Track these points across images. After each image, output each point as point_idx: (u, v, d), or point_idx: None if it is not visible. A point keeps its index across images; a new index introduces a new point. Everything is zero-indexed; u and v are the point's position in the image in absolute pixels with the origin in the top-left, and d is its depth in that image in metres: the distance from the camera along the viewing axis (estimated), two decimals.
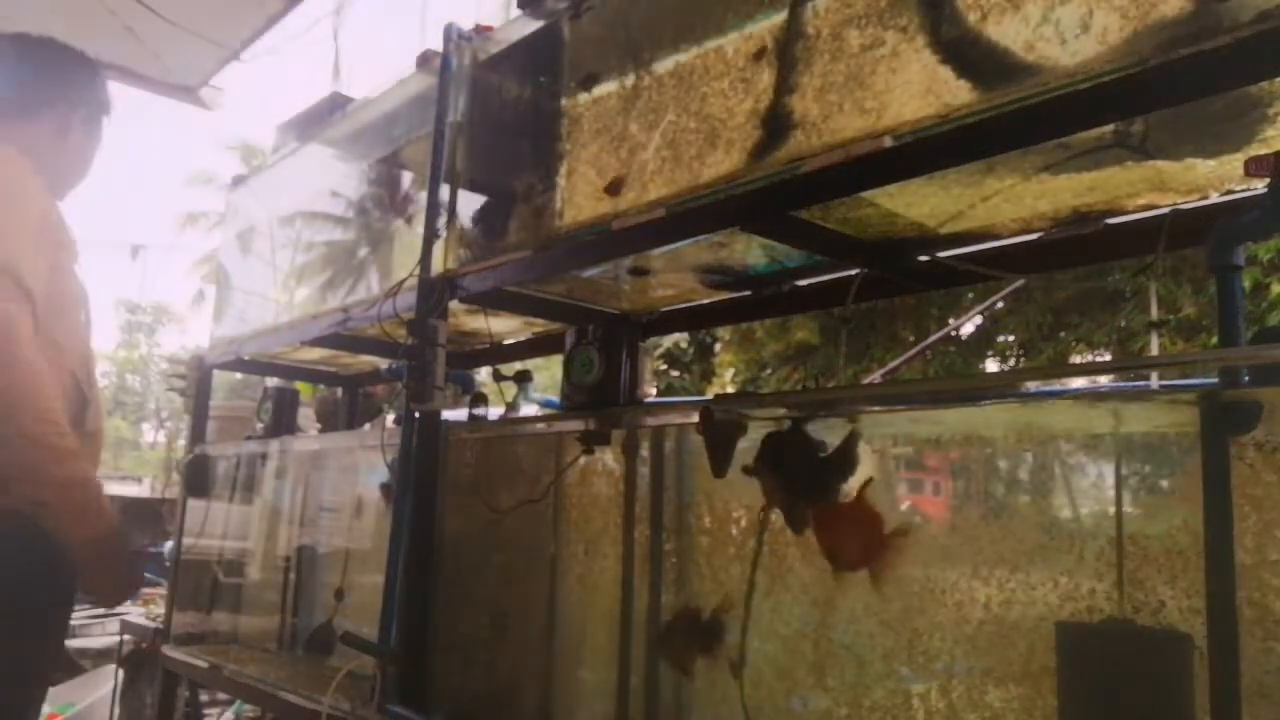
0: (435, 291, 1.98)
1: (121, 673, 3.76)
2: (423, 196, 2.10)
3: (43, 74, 1.79)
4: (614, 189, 1.71)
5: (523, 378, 2.35)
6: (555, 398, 2.25)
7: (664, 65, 1.63)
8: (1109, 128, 1.13)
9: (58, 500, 1.50)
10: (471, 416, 2.21)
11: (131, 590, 1.76)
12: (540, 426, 2.14)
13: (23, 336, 1.43)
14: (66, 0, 2.80)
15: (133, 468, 23.42)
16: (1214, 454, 1.12)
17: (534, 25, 1.95)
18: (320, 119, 2.74)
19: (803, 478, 1.39)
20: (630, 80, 1.69)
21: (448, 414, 2.08)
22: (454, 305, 2.04)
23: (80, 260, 1.73)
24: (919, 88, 1.24)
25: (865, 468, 1.42)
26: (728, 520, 1.65)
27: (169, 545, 3.55)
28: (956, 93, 1.20)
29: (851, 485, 1.37)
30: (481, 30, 2.10)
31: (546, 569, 1.99)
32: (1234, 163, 1.22)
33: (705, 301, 2.08)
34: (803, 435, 1.41)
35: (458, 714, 2.01)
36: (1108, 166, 1.25)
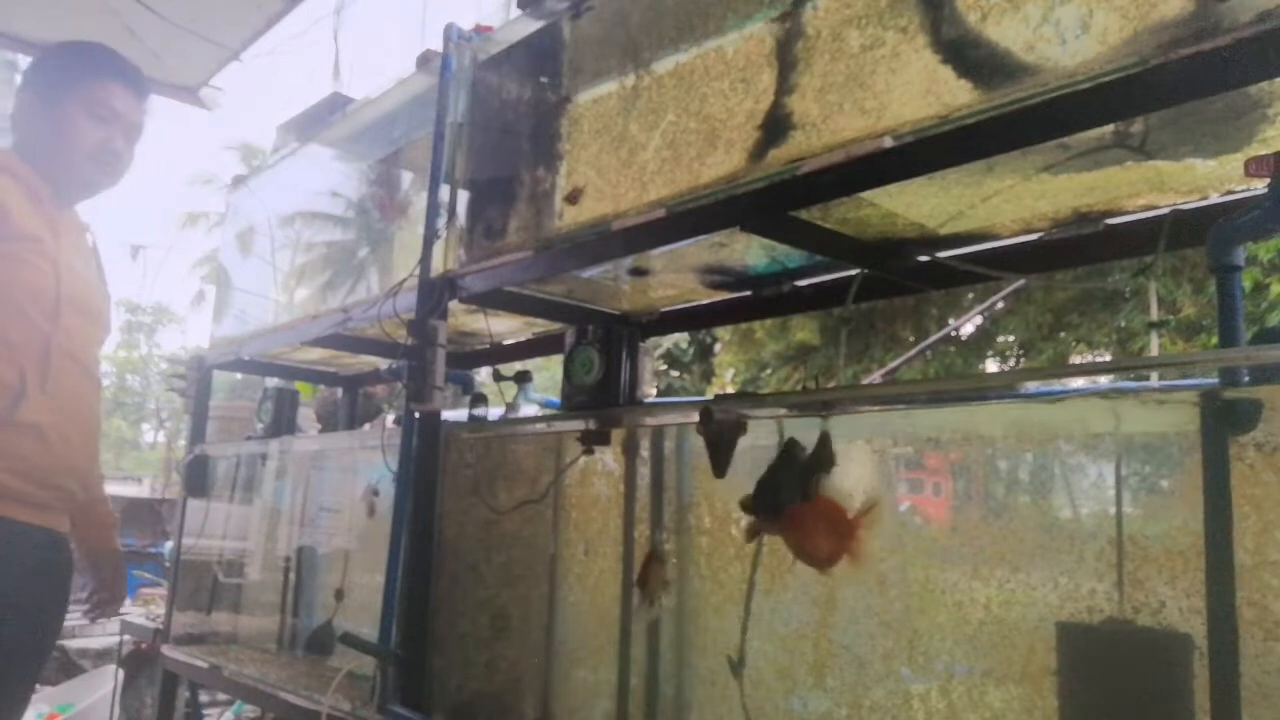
0: (435, 292, 1.98)
1: (121, 673, 3.76)
2: (422, 196, 2.10)
3: (37, 76, 1.78)
4: (573, 199, 1.71)
5: (523, 378, 2.35)
6: (555, 398, 2.25)
7: (664, 65, 1.63)
8: (1109, 128, 1.13)
9: None
10: (471, 416, 2.21)
11: None
12: (540, 426, 2.14)
13: None
14: (67, 0, 2.81)
15: (133, 468, 23.42)
16: (1214, 454, 1.12)
17: (534, 25, 1.95)
18: (320, 119, 2.75)
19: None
20: (630, 80, 1.69)
21: (448, 414, 2.08)
22: (454, 305, 2.03)
23: (49, 256, 1.65)
24: (919, 88, 1.24)
25: (864, 470, 1.41)
26: (728, 520, 1.65)
27: (169, 545, 3.55)
28: (956, 93, 1.20)
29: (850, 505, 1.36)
30: (481, 30, 2.10)
31: (546, 569, 1.99)
32: (1234, 163, 1.22)
33: (705, 301, 2.08)
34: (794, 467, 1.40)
35: (458, 714, 2.01)
36: (1108, 166, 1.25)
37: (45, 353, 1.61)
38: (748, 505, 1.40)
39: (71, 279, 1.71)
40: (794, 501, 1.35)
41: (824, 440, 1.37)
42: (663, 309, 2.17)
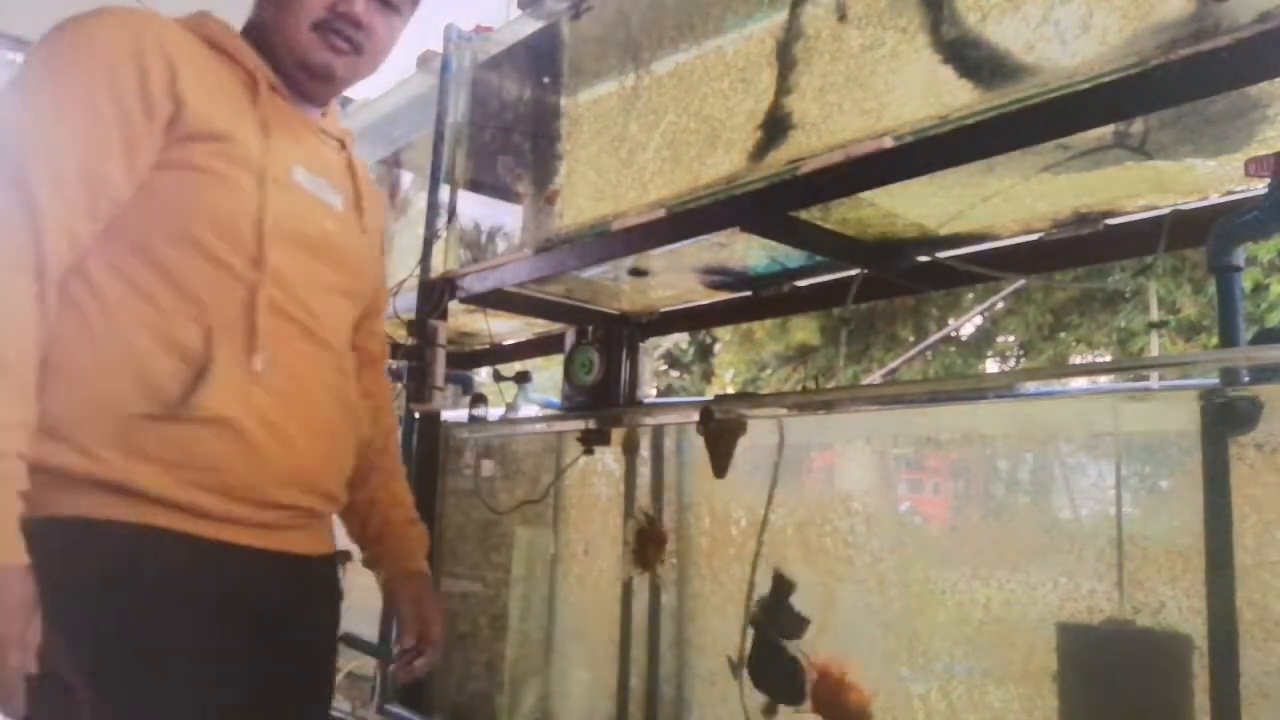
0: (435, 292, 1.98)
1: None
2: (422, 196, 2.10)
3: None
4: (550, 199, 1.71)
5: (523, 378, 2.35)
6: (555, 398, 2.25)
7: (664, 66, 1.63)
8: (1109, 128, 1.13)
9: None
10: (471, 416, 2.21)
11: None
12: (540, 426, 2.14)
13: None
14: (67, 1, 2.81)
15: None
16: (1214, 454, 1.12)
17: (534, 25, 1.95)
18: None
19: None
20: (630, 81, 1.69)
21: (448, 414, 2.08)
22: (454, 305, 2.04)
23: (251, 165, 1.04)
24: (919, 88, 1.24)
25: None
26: (728, 520, 1.65)
27: None
28: (956, 93, 1.20)
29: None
30: (481, 31, 2.10)
31: (546, 569, 1.99)
32: (1234, 163, 1.22)
33: (705, 302, 2.08)
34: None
35: (458, 714, 2.01)
36: (1108, 167, 1.25)
37: (247, 308, 1.04)
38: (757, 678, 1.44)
39: (293, 200, 1.10)
40: (785, 669, 1.40)
41: (778, 585, 1.43)
42: (663, 309, 2.17)
